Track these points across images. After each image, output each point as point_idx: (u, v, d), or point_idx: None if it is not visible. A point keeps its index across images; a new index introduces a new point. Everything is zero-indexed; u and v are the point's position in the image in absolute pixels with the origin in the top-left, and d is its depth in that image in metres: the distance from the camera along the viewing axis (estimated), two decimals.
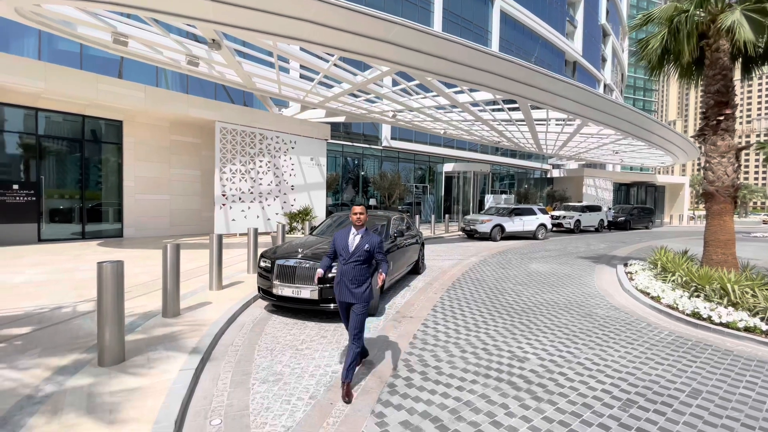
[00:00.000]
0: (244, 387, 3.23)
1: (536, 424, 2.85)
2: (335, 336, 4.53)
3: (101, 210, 12.30)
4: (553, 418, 2.94)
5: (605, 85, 41.98)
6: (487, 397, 3.22)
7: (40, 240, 10.74)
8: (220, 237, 5.91)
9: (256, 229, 7.38)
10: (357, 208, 3.37)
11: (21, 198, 10.41)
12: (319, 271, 3.35)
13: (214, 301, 5.35)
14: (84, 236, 11.67)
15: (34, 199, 10.59)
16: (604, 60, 42.39)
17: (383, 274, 3.29)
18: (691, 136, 9.60)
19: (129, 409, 2.68)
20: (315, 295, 4.82)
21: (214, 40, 8.28)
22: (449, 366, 3.80)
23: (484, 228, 14.99)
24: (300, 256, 5.10)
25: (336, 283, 3.36)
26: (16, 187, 10.37)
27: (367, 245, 3.29)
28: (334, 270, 4.47)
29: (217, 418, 2.77)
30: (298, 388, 3.24)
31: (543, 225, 16.67)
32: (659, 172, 35.90)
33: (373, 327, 4.87)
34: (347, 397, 3.07)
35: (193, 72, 11.09)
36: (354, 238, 3.34)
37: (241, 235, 13.23)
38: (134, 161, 12.48)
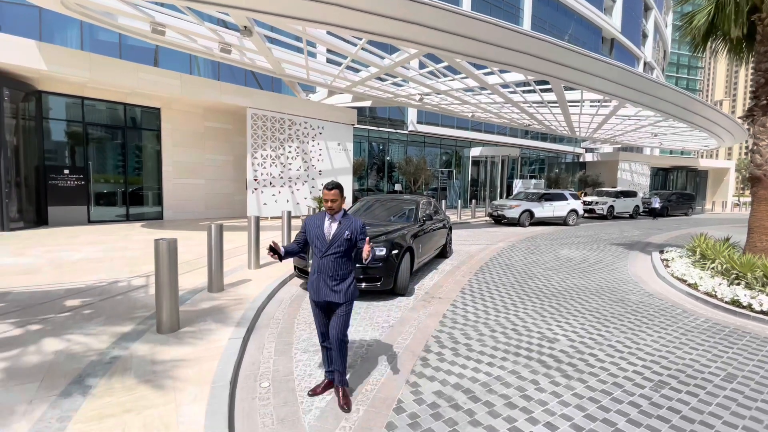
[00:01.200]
0: (288, 355, 3.49)
1: (566, 399, 2.95)
2: (368, 312, 4.74)
3: (142, 194, 13.01)
4: (582, 394, 3.02)
5: (645, 63, 39.62)
6: (517, 373, 3.33)
7: (90, 221, 11.52)
8: (257, 219, 6.22)
9: (289, 212, 7.66)
10: (328, 194, 2.71)
11: (71, 182, 11.15)
12: (279, 246, 2.71)
13: (254, 278, 5.67)
14: (128, 218, 12.42)
15: (83, 183, 11.32)
16: (645, 36, 39.88)
17: (368, 245, 2.66)
18: (739, 117, 9.05)
19: (188, 370, 2.98)
20: None
21: (246, 27, 8.46)
22: (479, 344, 3.92)
23: (513, 213, 14.80)
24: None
25: (312, 281, 2.81)
26: (66, 171, 11.12)
27: (347, 232, 2.72)
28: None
29: (266, 381, 3.04)
30: None
31: (574, 211, 16.26)
32: (702, 156, 33.84)
33: (403, 306, 5.05)
34: (346, 406, 2.71)
35: (226, 59, 11.38)
36: (330, 225, 2.76)
37: (272, 218, 13.66)
38: (172, 147, 13.05)
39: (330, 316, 2.84)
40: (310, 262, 5.27)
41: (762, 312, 5.05)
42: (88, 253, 7.11)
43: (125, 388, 2.69)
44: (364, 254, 2.65)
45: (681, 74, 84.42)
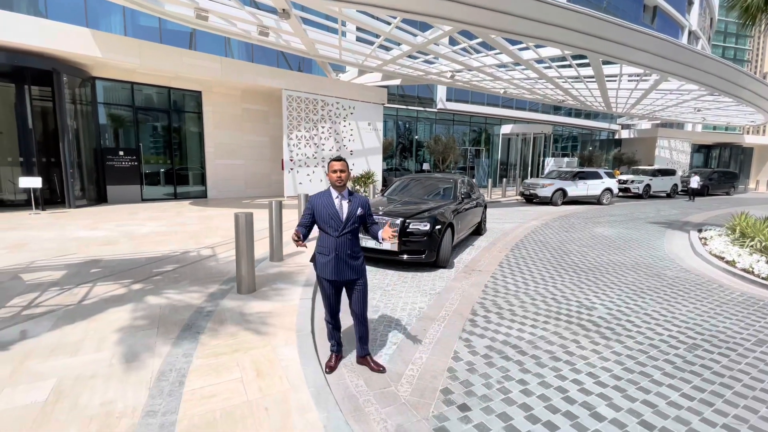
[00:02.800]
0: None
1: (605, 355, 3.29)
2: (414, 281, 5.18)
3: (187, 174, 13.81)
4: (621, 352, 3.35)
5: (690, 32, 37.02)
6: (559, 334, 3.68)
7: (143, 199, 12.43)
8: (307, 197, 6.68)
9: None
10: (336, 164, 2.71)
11: (126, 163, 12.02)
12: (300, 235, 2.67)
13: (306, 251, 6.18)
14: (176, 197, 13.28)
15: (135, 163, 12.17)
16: (690, 2, 37.08)
17: (389, 227, 2.78)
18: None
19: (274, 322, 3.50)
20: (395, 247, 5.47)
21: (284, 9, 8.74)
22: (521, 309, 4.29)
23: (545, 192, 14.76)
24: (381, 212, 5.74)
25: (325, 261, 2.77)
26: (121, 153, 11.97)
27: (359, 209, 2.78)
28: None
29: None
30: (394, 318, 3.92)
31: (609, 189, 16.03)
32: (748, 132, 31.86)
33: (446, 277, 5.44)
34: (380, 368, 2.91)
35: (262, 42, 11.69)
36: (341, 203, 2.75)
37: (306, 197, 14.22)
38: (213, 129, 13.69)
39: (340, 294, 2.94)
40: (360, 236, 5.73)
41: None
42: (153, 227, 7.85)
43: (227, 334, 3.23)
44: (387, 236, 2.70)
45: (729, 43, 78.24)
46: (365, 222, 2.89)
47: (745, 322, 4.10)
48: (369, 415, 2.41)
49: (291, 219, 8.69)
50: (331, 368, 2.94)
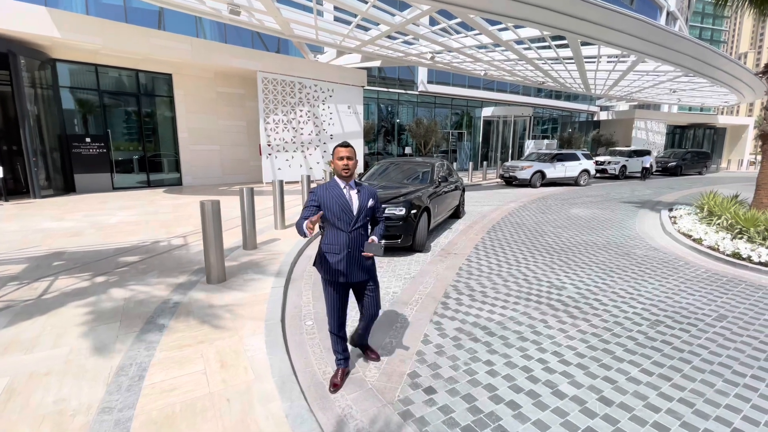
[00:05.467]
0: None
1: (571, 334, 3.37)
2: (390, 266, 5.17)
3: (160, 161, 13.35)
4: (586, 330, 3.44)
5: (668, 13, 37.29)
6: (528, 314, 3.75)
7: (114, 188, 11.99)
8: (281, 183, 6.55)
9: (308, 176, 7.97)
10: (343, 150, 2.38)
11: (94, 150, 11.52)
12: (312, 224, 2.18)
13: (281, 238, 6.09)
14: (149, 184, 12.86)
15: (104, 150, 11.68)
16: None
17: (375, 237, 2.48)
18: (756, 74, 8.88)
19: (242, 312, 3.44)
20: None
21: None
22: (493, 291, 4.34)
23: (524, 174, 14.89)
24: None
25: (336, 260, 2.43)
26: (88, 140, 11.45)
27: (370, 201, 2.49)
28: None
29: (310, 320, 3.50)
30: None
31: (586, 171, 16.30)
32: (721, 113, 32.75)
33: (422, 260, 5.46)
34: (378, 357, 2.89)
35: (234, 21, 11.20)
36: (350, 194, 2.44)
37: (286, 183, 13.97)
38: (186, 113, 13.20)
39: (348, 299, 2.62)
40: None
41: (760, 263, 5.35)
42: (123, 217, 7.59)
43: (192, 326, 3.16)
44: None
45: (706, 24, 79.34)
46: (374, 216, 2.58)
47: (707, 298, 4.26)
48: (334, 401, 2.41)
49: (266, 206, 8.54)
50: (336, 386, 2.54)
